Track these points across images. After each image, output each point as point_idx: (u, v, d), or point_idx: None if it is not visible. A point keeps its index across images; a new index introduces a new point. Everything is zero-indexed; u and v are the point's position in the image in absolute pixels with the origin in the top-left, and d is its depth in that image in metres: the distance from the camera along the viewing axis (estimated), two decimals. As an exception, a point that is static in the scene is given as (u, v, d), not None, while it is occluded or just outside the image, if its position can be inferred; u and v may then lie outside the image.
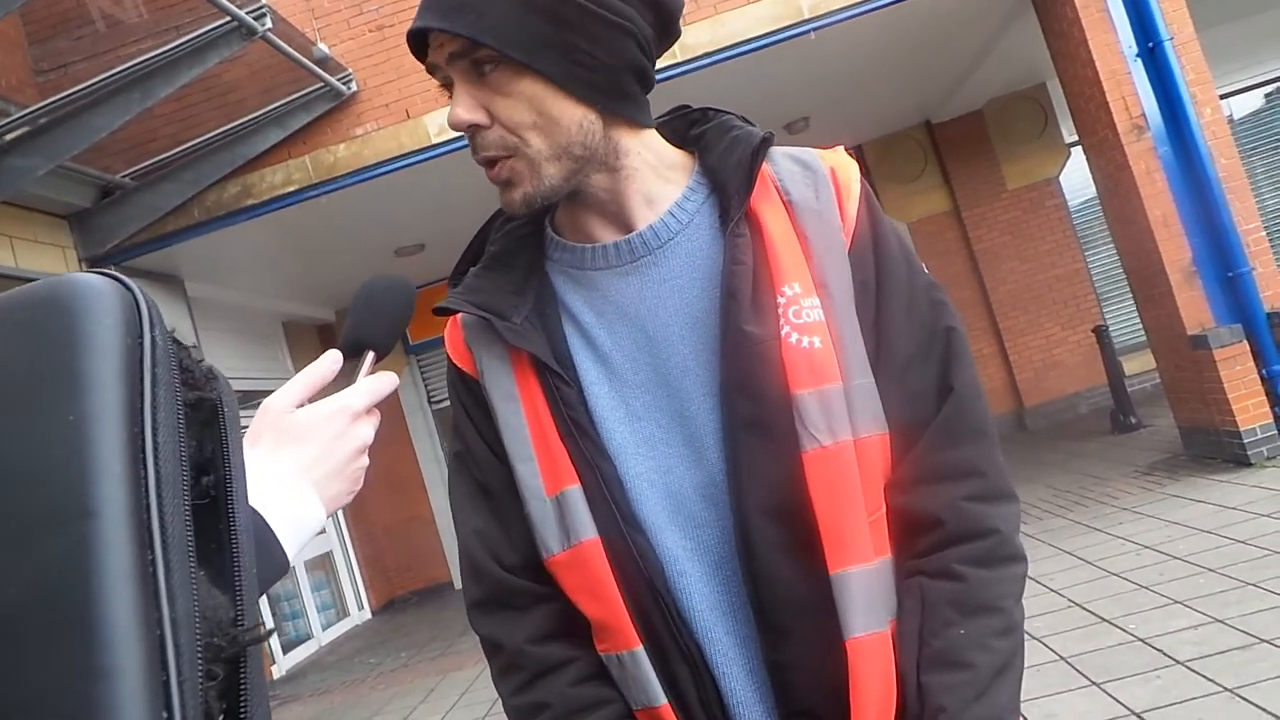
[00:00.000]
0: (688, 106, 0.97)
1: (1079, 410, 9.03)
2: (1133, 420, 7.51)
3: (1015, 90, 8.96)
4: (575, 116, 0.82)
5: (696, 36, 5.58)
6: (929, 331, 0.88)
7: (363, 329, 0.79)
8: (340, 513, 8.72)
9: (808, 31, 5.61)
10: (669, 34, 0.87)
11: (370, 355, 0.78)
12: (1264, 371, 5.46)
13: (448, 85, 0.84)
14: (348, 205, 6.12)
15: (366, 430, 0.71)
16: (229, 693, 0.30)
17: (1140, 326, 6.68)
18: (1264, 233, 5.66)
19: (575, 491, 0.84)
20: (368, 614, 8.70)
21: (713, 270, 0.86)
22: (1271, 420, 5.42)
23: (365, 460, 0.71)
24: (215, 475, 0.33)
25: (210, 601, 0.30)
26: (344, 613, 8.49)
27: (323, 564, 8.42)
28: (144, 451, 0.29)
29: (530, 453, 0.86)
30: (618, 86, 0.83)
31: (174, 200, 5.79)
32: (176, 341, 0.33)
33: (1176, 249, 5.56)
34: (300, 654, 7.45)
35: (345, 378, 0.75)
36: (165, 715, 0.26)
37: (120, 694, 0.25)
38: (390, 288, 0.84)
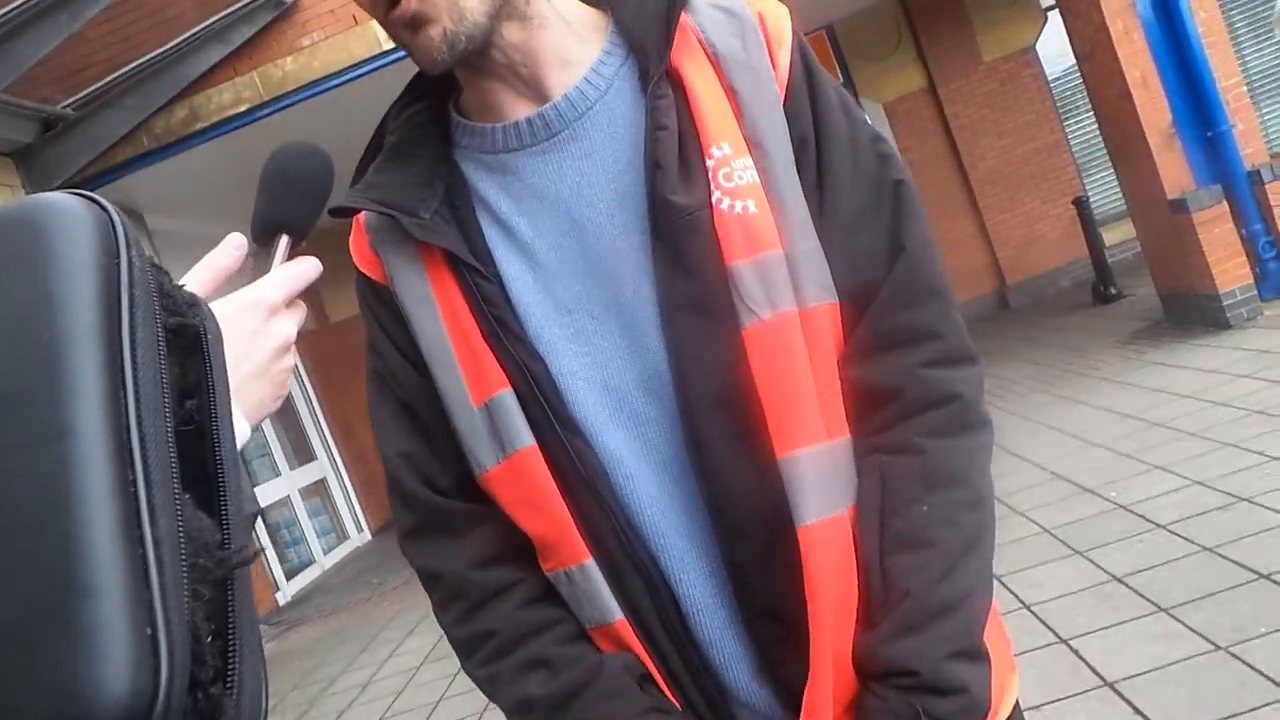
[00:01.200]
0: None
1: (1061, 284, 9.02)
2: (1113, 291, 7.51)
3: (989, -45, 8.62)
4: None
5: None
6: (876, 187, 0.80)
7: (273, 207, 0.68)
8: (330, 439, 8.75)
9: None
10: None
11: (284, 239, 0.67)
12: (1243, 231, 5.42)
13: None
14: (303, 121, 5.87)
15: (287, 326, 0.62)
16: (216, 614, 0.30)
17: (1120, 196, 6.60)
18: (1245, 88, 5.53)
19: (506, 396, 0.77)
20: (367, 535, 8.82)
21: (636, 138, 0.78)
22: (1250, 280, 5.42)
23: (290, 360, 0.62)
24: (199, 401, 0.33)
25: (196, 524, 0.30)
26: (344, 536, 8.61)
27: (318, 490, 8.49)
28: (123, 372, 0.28)
29: (452, 359, 0.79)
30: None
31: (120, 129, 5.55)
32: (155, 265, 0.32)
33: (1155, 110, 5.44)
34: (304, 579, 7.57)
35: (261, 267, 0.65)
36: (149, 631, 0.26)
37: (102, 610, 0.25)
38: (302, 157, 0.72)
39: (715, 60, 0.79)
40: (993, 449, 0.81)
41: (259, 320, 0.59)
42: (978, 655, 0.75)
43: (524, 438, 0.77)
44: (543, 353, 0.78)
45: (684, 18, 0.79)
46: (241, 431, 0.56)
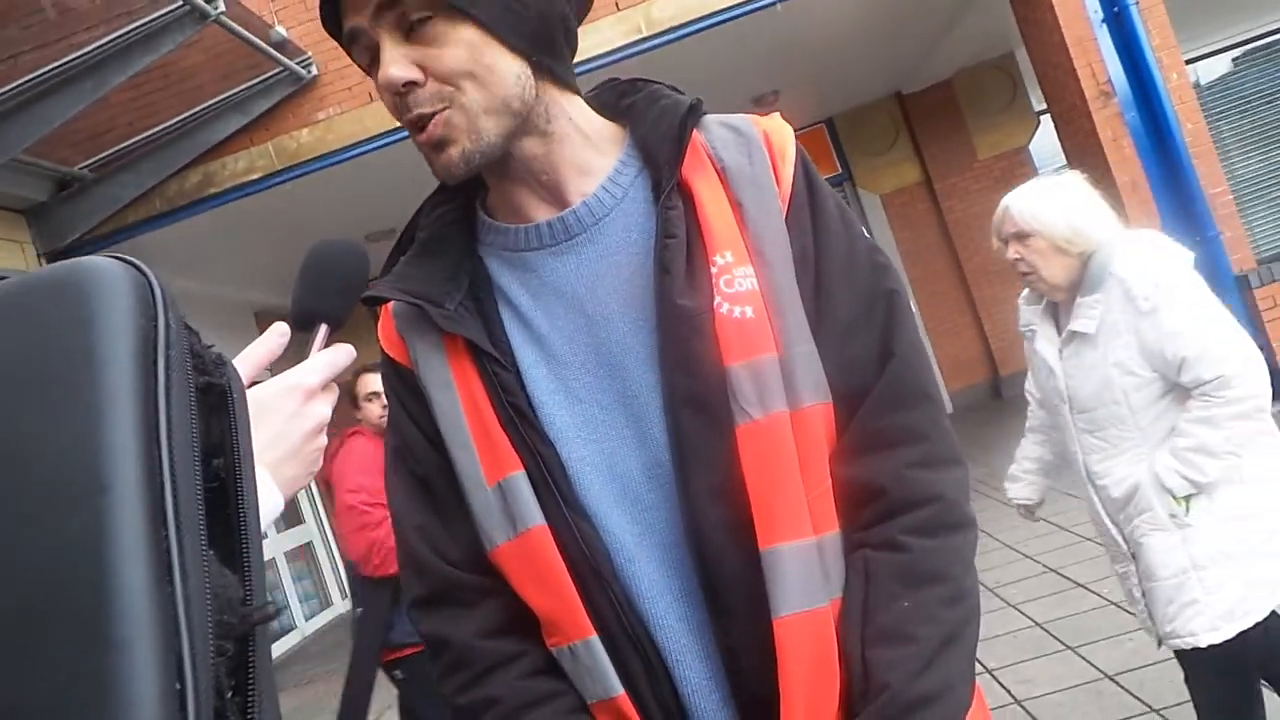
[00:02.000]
0: (617, 78, 0.94)
1: (1053, 377, 9.09)
2: (1106, 386, 7.57)
3: (984, 59, 8.95)
4: (512, 69, 0.79)
5: (662, 11, 5.52)
6: (870, 296, 0.85)
7: (312, 298, 0.74)
8: (318, 504, 8.67)
9: (774, 4, 5.56)
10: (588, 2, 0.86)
11: (323, 328, 0.72)
12: (1232, 334, 5.51)
13: (370, 51, 0.80)
14: (314, 191, 6.02)
15: (322, 409, 0.67)
16: (238, 669, 0.31)
17: (1111, 293, 6.71)
18: (1231, 196, 5.70)
19: (519, 478, 0.81)
20: (350, 603, 8.67)
21: (648, 244, 0.83)
22: (1240, 382, 5.48)
23: (323, 440, 0.67)
24: (225, 459, 0.33)
25: (220, 580, 0.31)
26: (327, 602, 8.46)
27: (303, 554, 8.38)
28: (158, 431, 0.29)
29: (469, 440, 0.83)
30: (550, 39, 0.81)
31: (134, 191, 5.68)
32: (187, 326, 0.33)
33: (1145, 214, 5.58)
34: (284, 644, 7.41)
35: (296, 353, 0.71)
36: (178, 687, 0.26)
37: (133, 665, 0.26)
38: (340, 251, 0.78)
39: (722, 174, 0.85)
40: (976, 546, 0.85)
41: (297, 403, 0.64)
42: None
43: (535, 517, 0.81)
44: (554, 439, 0.82)
45: (695, 135, 0.85)
46: (275, 504, 0.59)
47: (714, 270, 0.80)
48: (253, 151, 5.76)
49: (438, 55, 0.77)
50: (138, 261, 0.32)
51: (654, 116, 0.86)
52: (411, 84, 0.77)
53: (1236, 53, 9.40)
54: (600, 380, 0.83)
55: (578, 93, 0.87)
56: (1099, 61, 5.56)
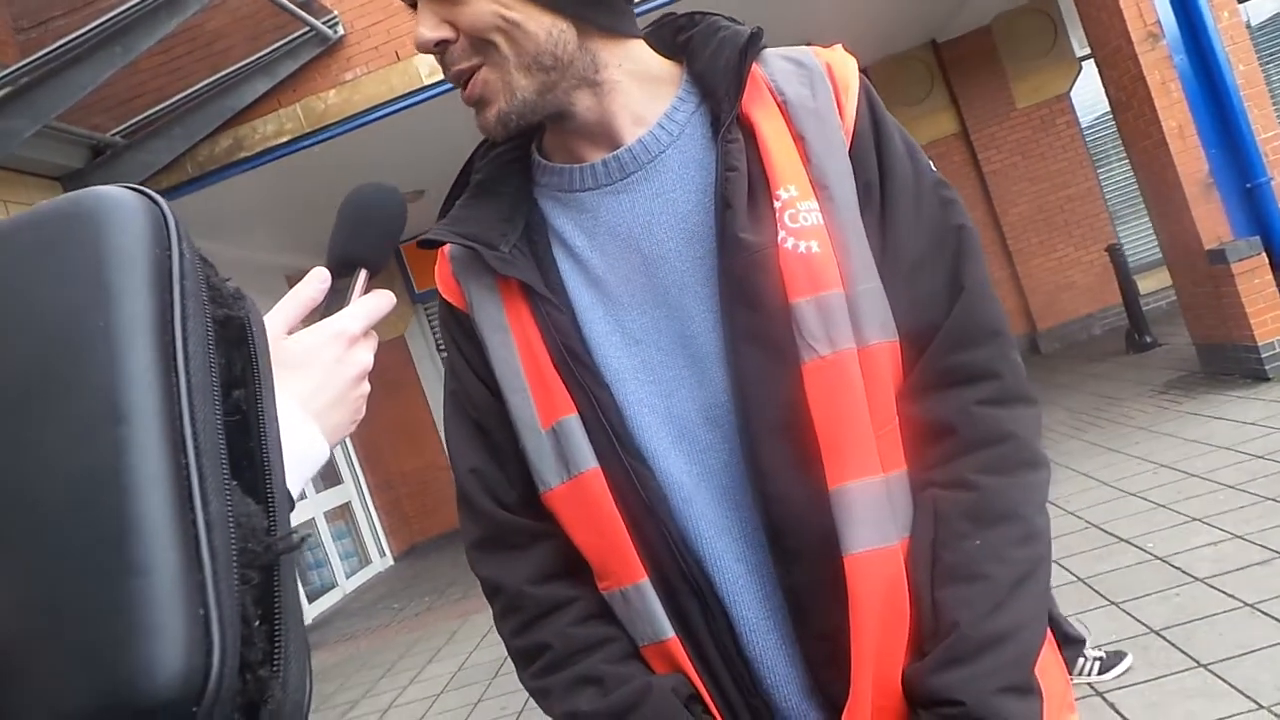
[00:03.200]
0: (673, 13, 0.91)
1: (1093, 331, 8.94)
2: (1148, 339, 7.42)
3: (1024, 3, 8.67)
4: (544, 24, 0.78)
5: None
6: (938, 230, 0.83)
7: (351, 243, 0.72)
8: (356, 462, 8.79)
9: (806, -51, 5.40)
10: None
11: (363, 273, 0.71)
12: (1283, 283, 5.35)
13: (415, 6, 0.79)
14: (343, 153, 6.01)
15: (365, 355, 0.65)
16: (264, 599, 0.30)
17: (1155, 244, 6.56)
18: (1283, 140, 5.48)
19: (573, 420, 0.81)
20: (390, 561, 8.83)
21: (707, 180, 0.82)
22: (1290, 333, 5.33)
23: (366, 387, 0.66)
24: (245, 391, 0.33)
25: (244, 509, 0.31)
26: (366, 560, 8.61)
27: (342, 514, 8.52)
28: (175, 360, 0.29)
29: (523, 383, 0.83)
30: None
31: (165, 157, 5.70)
32: (203, 259, 0.33)
33: (1193, 161, 5.41)
34: (326, 602, 7.58)
35: (336, 298, 0.69)
36: (201, 612, 0.26)
37: (156, 590, 0.26)
38: (378, 195, 0.76)
39: (784, 107, 0.83)
40: (1049, 485, 0.82)
41: (341, 349, 0.62)
42: (1028, 690, 0.75)
43: (588, 460, 0.80)
44: (609, 381, 0.82)
45: (755, 67, 0.83)
46: (322, 452, 0.58)
47: (778, 205, 0.78)
48: (281, 114, 5.75)
49: (465, 12, 0.77)
50: (150, 191, 0.31)
51: (712, 49, 0.84)
52: (444, 42, 0.78)
53: (1289, -10, 9.02)
54: (658, 321, 0.82)
55: (636, 37, 0.85)
56: (1146, 1, 5.35)
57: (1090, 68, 6.61)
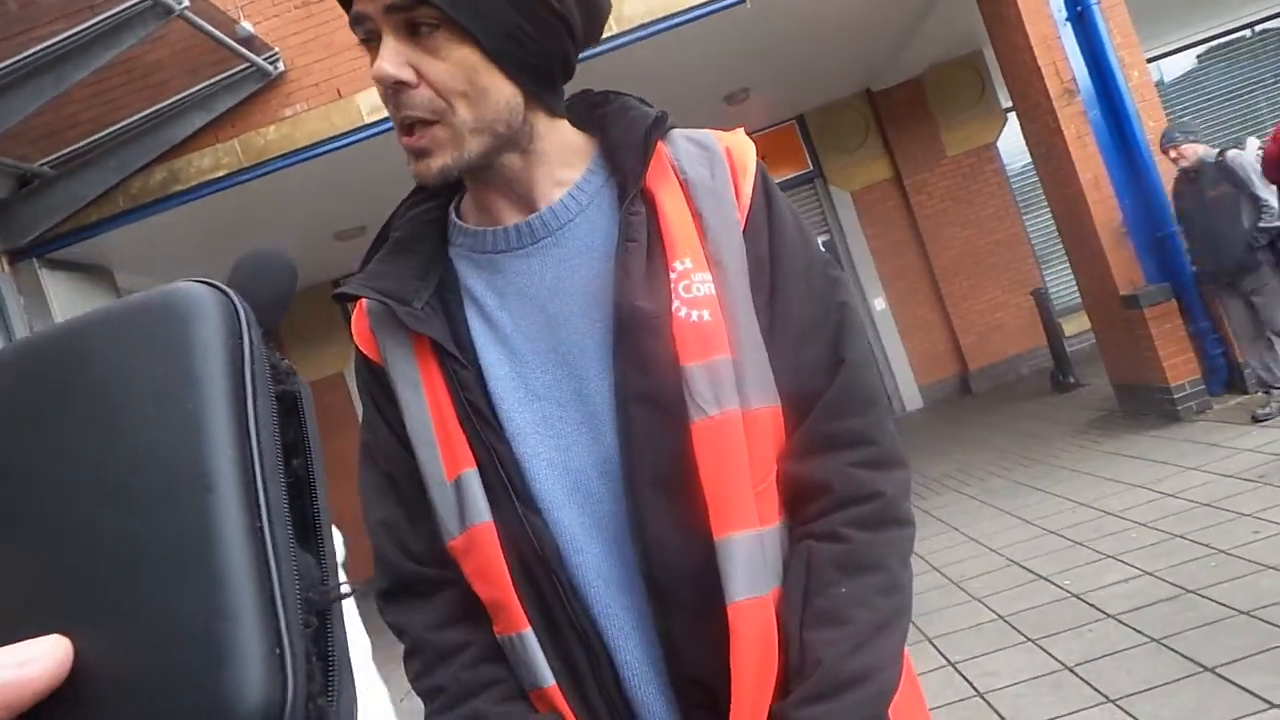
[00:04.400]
0: (591, 90, 0.97)
1: (1021, 371, 9.23)
2: (1071, 380, 7.70)
3: (954, 56, 9.04)
4: (505, 93, 0.82)
5: (633, 8, 5.51)
6: (824, 305, 0.89)
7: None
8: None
9: (743, 1, 5.58)
10: (595, 35, 0.89)
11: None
12: (1191, 328, 5.62)
13: (371, 39, 0.81)
14: (282, 188, 5.97)
15: None
16: (319, 639, 0.35)
17: (1077, 288, 6.82)
18: (1191, 193, 5.78)
19: (471, 475, 0.85)
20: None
21: (610, 249, 0.87)
22: (1199, 375, 5.60)
23: None
24: (300, 458, 0.38)
25: (304, 563, 0.35)
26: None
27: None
28: (249, 435, 0.33)
29: (432, 438, 0.87)
30: (548, 73, 0.85)
31: (97, 189, 5.60)
32: (266, 343, 0.37)
33: (1107, 211, 5.68)
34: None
35: None
36: (278, 651, 0.31)
37: (244, 632, 0.30)
38: (270, 259, 0.79)
39: (685, 186, 0.88)
40: (913, 543, 0.88)
41: None
42: None
43: (482, 514, 0.84)
44: (510, 435, 0.86)
45: (660, 146, 0.89)
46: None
47: (673, 276, 0.84)
48: (219, 149, 5.70)
49: (435, 66, 0.79)
50: (224, 286, 0.36)
51: (622, 127, 0.90)
52: (403, 84, 0.79)
53: (1201, 49, 9.55)
54: (558, 378, 0.87)
55: (564, 118, 0.91)
56: (1063, 59, 5.64)
57: (1015, 119, 6.92)
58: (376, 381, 0.92)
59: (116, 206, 5.69)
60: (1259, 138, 5.18)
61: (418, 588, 0.90)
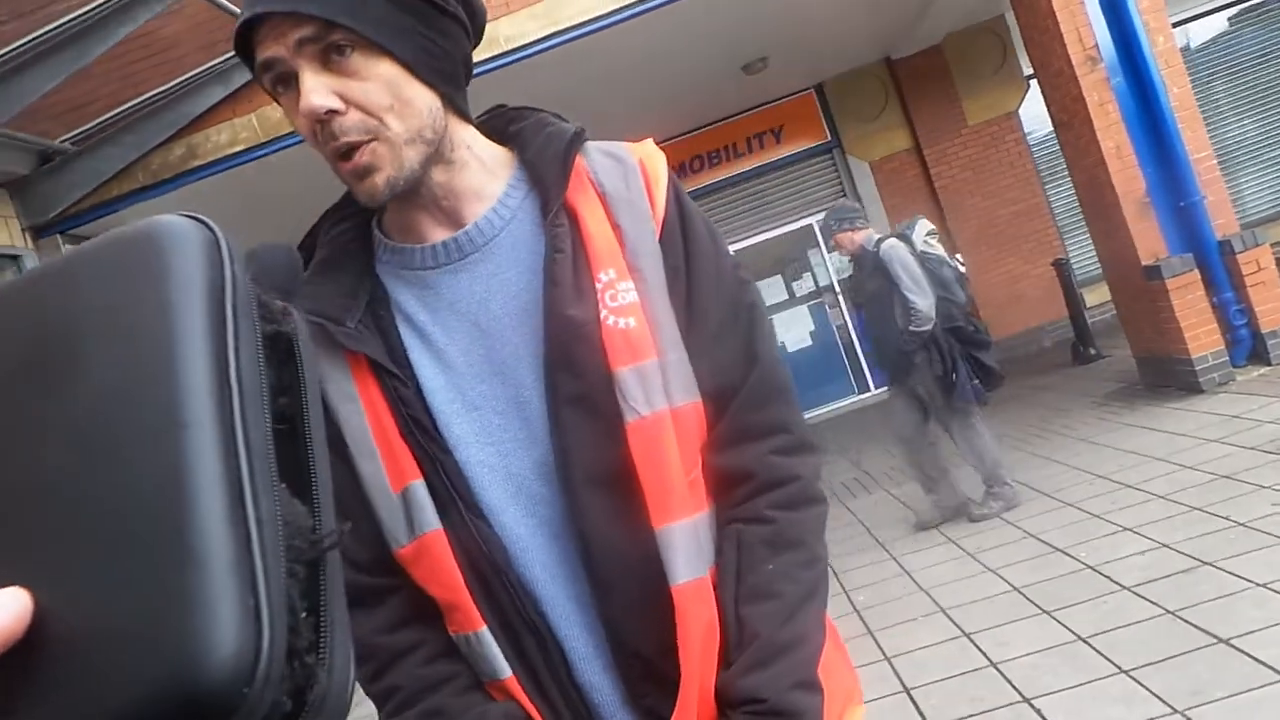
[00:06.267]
0: (506, 105, 1.01)
1: (1042, 343, 9.16)
2: (1093, 351, 7.63)
3: (975, 22, 8.89)
4: (426, 100, 0.85)
5: (647, -23, 5.45)
6: (734, 307, 0.95)
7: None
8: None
9: (759, -31, 5.50)
10: (479, 36, 0.93)
11: None
12: (1214, 299, 5.55)
13: (281, 82, 0.82)
14: (298, 162, 5.96)
15: None
16: (310, 592, 0.33)
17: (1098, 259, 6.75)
18: (1215, 161, 5.69)
19: (418, 485, 0.88)
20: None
21: (536, 260, 0.90)
22: (1223, 346, 5.53)
23: None
24: (291, 401, 0.36)
25: (291, 509, 0.33)
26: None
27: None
28: (228, 371, 0.31)
29: (373, 449, 0.89)
30: (456, 75, 0.88)
31: (117, 164, 5.63)
32: (255, 281, 0.36)
33: (1130, 180, 5.60)
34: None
35: None
36: (252, 601, 0.29)
37: (212, 580, 0.28)
38: (270, 253, 0.80)
39: (603, 197, 0.92)
40: (826, 519, 0.97)
41: None
42: (813, 687, 0.88)
43: (431, 522, 0.88)
44: (452, 446, 0.90)
45: (578, 160, 0.93)
46: None
47: (599, 286, 0.88)
48: (236, 124, 5.72)
49: (359, 87, 0.81)
50: (208, 219, 0.35)
51: (541, 142, 0.94)
52: (334, 112, 0.80)
53: (1232, 12, 9.32)
54: (494, 388, 0.90)
55: (472, 123, 0.94)
56: (1086, 25, 5.54)
57: (1037, 87, 6.81)
58: None
59: (136, 182, 5.74)
60: (931, 227, 4.57)
61: (365, 597, 0.92)
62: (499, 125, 0.99)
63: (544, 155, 0.92)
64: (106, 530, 0.30)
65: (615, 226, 0.91)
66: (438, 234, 0.92)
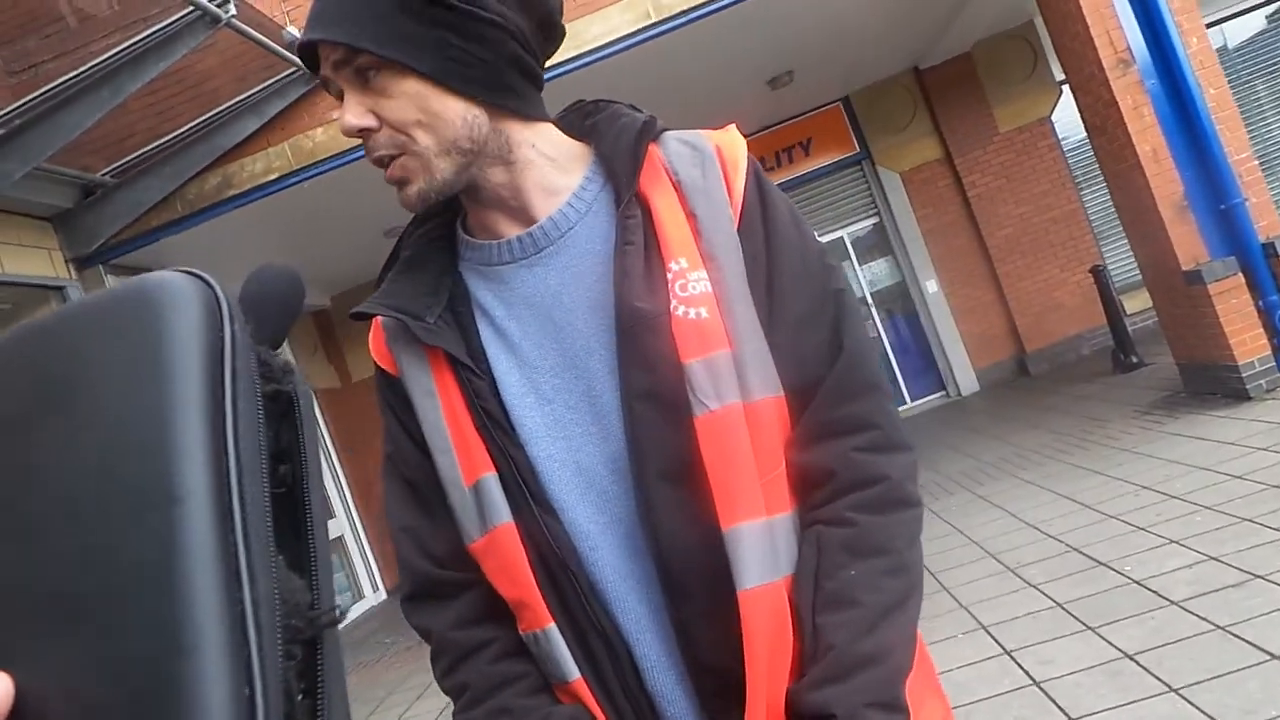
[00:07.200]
0: (583, 100, 1.00)
1: (1080, 351, 8.99)
2: (1134, 359, 7.47)
3: (1004, 29, 8.81)
4: (458, 111, 0.85)
5: (671, -5, 5.48)
6: (820, 294, 0.91)
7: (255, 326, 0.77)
8: (350, 497, 8.80)
9: (782, -16, 5.50)
10: (552, 32, 0.91)
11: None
12: (1260, 303, 5.40)
13: (340, 97, 0.86)
14: (332, 189, 6.08)
15: None
16: (307, 673, 0.31)
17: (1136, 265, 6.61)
18: (1256, 162, 5.55)
19: (491, 479, 0.88)
20: (383, 595, 8.81)
21: (609, 253, 0.89)
22: (1270, 352, 5.38)
23: None
24: (291, 465, 0.34)
25: (289, 585, 0.31)
26: (359, 594, 8.60)
27: (335, 547, 8.52)
28: (225, 440, 0.30)
29: (449, 444, 0.90)
30: (499, 80, 0.87)
31: (155, 195, 5.77)
32: (256, 337, 0.35)
33: (1168, 183, 5.48)
34: (318, 636, 7.55)
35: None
36: (247, 691, 0.27)
37: (204, 669, 0.26)
38: (277, 277, 0.80)
39: (678, 187, 0.91)
40: (921, 524, 0.90)
41: None
42: (895, 708, 0.80)
43: (503, 515, 0.87)
44: (524, 440, 0.89)
45: (652, 149, 0.92)
46: None
47: (670, 276, 0.86)
48: (270, 152, 5.82)
49: (388, 105, 0.84)
50: (206, 275, 0.33)
51: (614, 135, 0.93)
52: (367, 130, 0.85)
53: (1270, 9, 9.13)
54: (567, 381, 0.90)
55: (543, 120, 0.93)
56: (1116, 28, 5.45)
57: (1070, 91, 6.71)
58: (395, 394, 0.96)
59: (175, 212, 5.86)
60: None
61: (440, 590, 0.93)
62: (576, 120, 0.99)
63: (617, 147, 0.92)
64: (94, 611, 0.28)
65: (690, 215, 0.89)
66: (511, 230, 0.93)
